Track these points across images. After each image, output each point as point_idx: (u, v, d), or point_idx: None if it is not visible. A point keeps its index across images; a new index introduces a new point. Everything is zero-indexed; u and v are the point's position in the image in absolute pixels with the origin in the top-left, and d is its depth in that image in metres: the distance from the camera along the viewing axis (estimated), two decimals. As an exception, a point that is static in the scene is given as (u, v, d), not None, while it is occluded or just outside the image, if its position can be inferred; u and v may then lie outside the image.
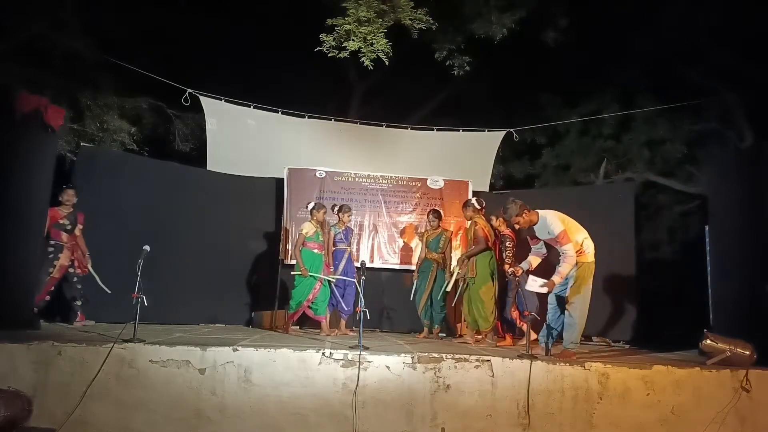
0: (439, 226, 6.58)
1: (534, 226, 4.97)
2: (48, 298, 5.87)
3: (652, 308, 7.22)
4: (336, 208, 6.58)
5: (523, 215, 4.92)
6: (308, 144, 8.13)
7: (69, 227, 6.01)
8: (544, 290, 4.85)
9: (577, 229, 4.95)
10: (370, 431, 4.01)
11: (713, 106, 8.70)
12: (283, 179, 7.50)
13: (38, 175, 5.35)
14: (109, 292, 6.15)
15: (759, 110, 8.20)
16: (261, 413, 4.00)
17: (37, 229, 5.33)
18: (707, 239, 6.18)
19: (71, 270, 6.02)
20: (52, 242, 5.90)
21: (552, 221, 4.85)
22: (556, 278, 4.80)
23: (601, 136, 9.61)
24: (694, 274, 6.93)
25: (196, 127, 8.95)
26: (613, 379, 4.24)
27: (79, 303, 6.06)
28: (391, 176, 7.83)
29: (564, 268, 4.78)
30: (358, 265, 5.45)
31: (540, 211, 4.96)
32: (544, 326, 5.04)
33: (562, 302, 4.96)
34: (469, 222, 6.11)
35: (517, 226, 5.15)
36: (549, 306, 5.07)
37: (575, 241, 4.83)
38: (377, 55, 6.20)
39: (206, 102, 7.72)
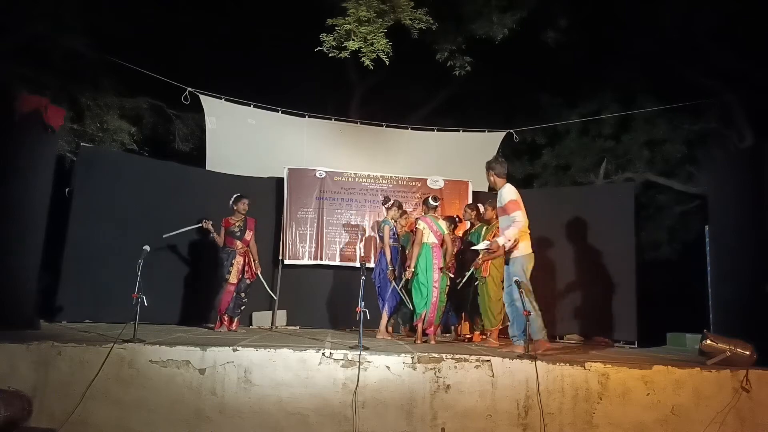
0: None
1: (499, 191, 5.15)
2: (231, 304, 6.14)
3: (652, 308, 7.23)
4: (391, 203, 6.36)
5: (503, 178, 5.12)
6: (308, 144, 8.13)
7: (239, 234, 6.23)
8: (486, 247, 5.02)
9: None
10: (370, 431, 4.01)
11: (713, 106, 8.69)
12: (283, 179, 7.50)
13: (38, 175, 5.35)
14: (276, 298, 6.53)
15: (759, 110, 8.20)
16: (261, 413, 4.00)
17: (37, 229, 5.33)
18: (707, 239, 6.18)
19: (241, 276, 6.20)
20: (226, 249, 6.16)
21: (509, 190, 5.01)
22: (501, 239, 4.89)
23: (601, 136, 9.61)
24: (694, 274, 6.93)
25: (196, 127, 8.95)
26: (613, 379, 4.24)
27: (238, 311, 6.28)
28: (391, 176, 7.83)
29: (511, 232, 4.86)
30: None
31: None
32: (514, 325, 5.03)
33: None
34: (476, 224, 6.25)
35: (493, 185, 5.27)
36: (509, 302, 5.07)
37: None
38: (377, 55, 6.19)
39: (206, 101, 7.71)
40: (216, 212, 7.15)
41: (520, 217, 4.88)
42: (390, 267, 6.05)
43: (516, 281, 4.74)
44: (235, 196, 6.35)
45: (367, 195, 7.70)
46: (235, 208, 6.28)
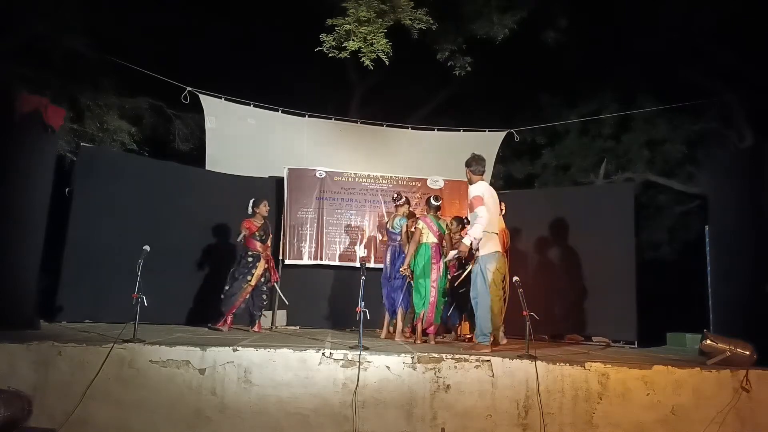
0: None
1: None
2: (243, 305, 6.18)
3: (652, 308, 7.23)
4: (403, 200, 6.26)
5: (479, 176, 5.21)
6: (308, 143, 8.12)
7: (263, 237, 6.26)
8: (456, 254, 5.22)
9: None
10: (370, 431, 4.01)
11: (713, 106, 8.70)
12: (283, 179, 7.50)
13: (38, 175, 5.35)
14: (287, 303, 6.66)
15: (759, 110, 8.20)
16: (261, 413, 4.00)
17: (37, 229, 5.33)
18: (707, 239, 6.18)
19: (262, 279, 6.23)
20: (250, 253, 6.17)
21: (477, 186, 5.08)
22: (466, 240, 4.97)
23: (601, 136, 9.62)
24: (694, 274, 6.93)
25: (196, 127, 8.94)
26: (613, 379, 4.24)
27: (258, 313, 6.31)
28: (391, 176, 7.83)
29: (475, 230, 4.92)
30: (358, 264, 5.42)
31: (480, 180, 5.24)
32: (477, 324, 5.08)
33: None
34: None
35: (469, 182, 5.31)
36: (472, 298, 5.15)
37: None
38: (377, 55, 6.19)
39: (205, 100, 7.70)
40: (216, 212, 7.19)
41: (482, 212, 4.91)
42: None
43: (515, 280, 4.74)
44: (254, 199, 6.36)
45: (367, 195, 7.70)
46: (256, 211, 6.27)
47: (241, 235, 6.20)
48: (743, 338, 4.66)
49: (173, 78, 7.52)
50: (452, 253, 5.41)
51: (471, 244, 5.00)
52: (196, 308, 6.90)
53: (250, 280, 6.13)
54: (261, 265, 6.20)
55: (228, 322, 6.12)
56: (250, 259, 6.18)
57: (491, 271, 4.98)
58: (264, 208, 6.32)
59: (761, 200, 5.16)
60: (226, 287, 6.18)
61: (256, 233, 6.24)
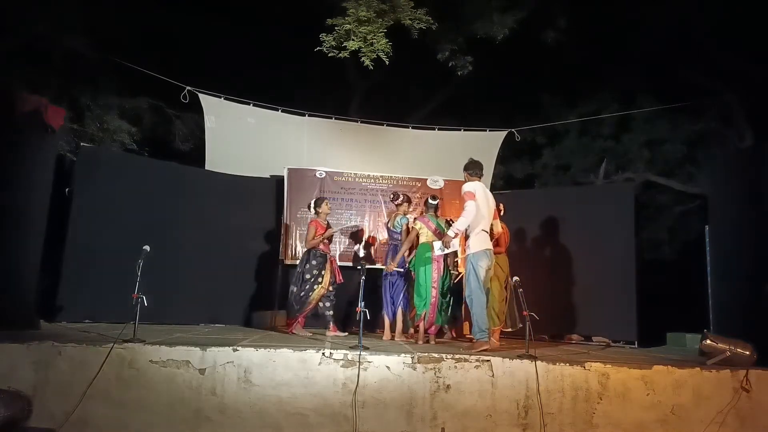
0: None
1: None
2: (315, 308, 6.09)
3: (652, 308, 7.23)
4: (401, 199, 6.21)
5: (476, 177, 5.31)
6: (308, 143, 8.11)
7: (329, 237, 6.24)
8: (446, 250, 5.23)
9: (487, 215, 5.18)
10: (370, 431, 4.01)
11: (713, 106, 8.70)
12: (282, 179, 7.50)
13: (38, 175, 5.35)
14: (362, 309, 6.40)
15: (759, 110, 8.20)
16: (261, 413, 4.00)
17: (37, 229, 5.33)
18: (707, 239, 6.18)
19: (330, 279, 6.11)
20: (318, 254, 6.07)
21: (470, 184, 5.16)
22: (450, 231, 5.08)
23: (601, 136, 9.61)
24: (694, 274, 6.93)
25: (195, 127, 8.93)
26: (613, 379, 4.24)
27: (330, 313, 6.18)
28: (391, 176, 7.82)
29: (459, 223, 5.02)
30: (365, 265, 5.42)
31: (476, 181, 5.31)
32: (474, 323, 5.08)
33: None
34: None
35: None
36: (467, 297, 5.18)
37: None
38: (377, 54, 6.19)
39: (205, 99, 7.69)
40: (215, 212, 7.19)
41: (469, 207, 4.99)
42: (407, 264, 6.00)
43: (515, 280, 4.74)
44: (315, 198, 6.34)
45: (367, 195, 7.70)
46: (319, 210, 6.19)
47: (313, 236, 6.02)
48: (743, 338, 4.66)
49: (173, 78, 7.51)
50: (437, 245, 5.42)
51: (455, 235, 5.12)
52: (196, 307, 6.91)
53: (322, 282, 6.01)
54: (329, 267, 6.10)
55: (301, 324, 6.07)
56: (320, 260, 6.06)
57: (483, 269, 5.01)
58: (326, 207, 6.24)
59: (761, 200, 5.17)
60: (293, 288, 6.04)
61: (324, 233, 6.15)
